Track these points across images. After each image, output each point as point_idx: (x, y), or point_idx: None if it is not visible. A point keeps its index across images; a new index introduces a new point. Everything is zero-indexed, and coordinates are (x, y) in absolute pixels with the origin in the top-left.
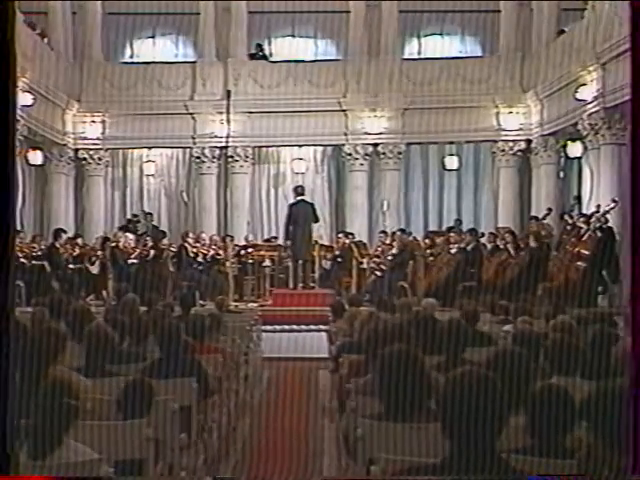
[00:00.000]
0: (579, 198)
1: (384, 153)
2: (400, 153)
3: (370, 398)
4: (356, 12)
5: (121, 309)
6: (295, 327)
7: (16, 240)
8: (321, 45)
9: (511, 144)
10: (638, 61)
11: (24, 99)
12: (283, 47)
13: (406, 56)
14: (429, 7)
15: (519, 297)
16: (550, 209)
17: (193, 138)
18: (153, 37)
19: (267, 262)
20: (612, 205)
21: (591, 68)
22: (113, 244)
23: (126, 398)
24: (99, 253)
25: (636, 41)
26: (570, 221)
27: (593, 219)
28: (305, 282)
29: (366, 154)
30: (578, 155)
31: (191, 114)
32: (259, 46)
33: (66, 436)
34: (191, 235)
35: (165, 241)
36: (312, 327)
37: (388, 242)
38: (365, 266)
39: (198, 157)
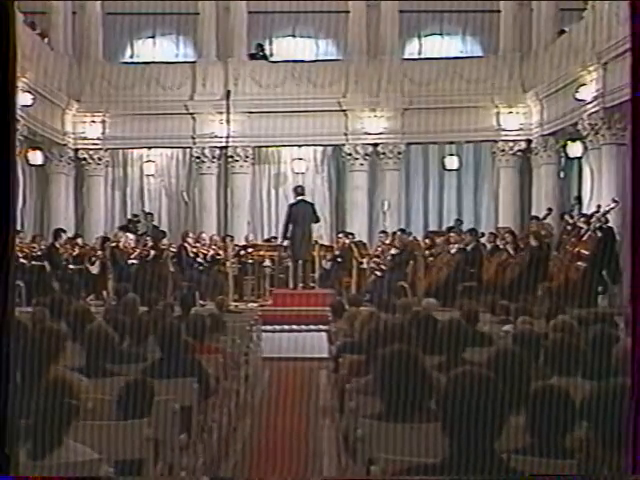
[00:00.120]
0: (579, 198)
1: (384, 153)
2: (400, 153)
3: (370, 398)
4: (356, 12)
5: (122, 309)
6: (295, 327)
7: (16, 240)
8: (321, 45)
9: (511, 144)
10: (638, 61)
11: (24, 99)
12: (283, 47)
13: (406, 56)
14: (429, 7)
15: (520, 297)
16: (550, 209)
17: (193, 138)
18: (153, 37)
19: (267, 262)
20: (612, 205)
21: (591, 68)
22: (113, 244)
23: (127, 398)
24: (99, 253)
25: (636, 41)
26: (570, 221)
27: (593, 219)
28: (305, 282)
29: (366, 154)
30: (578, 155)
31: (191, 114)
32: (259, 46)
33: (66, 436)
34: (191, 235)
35: (165, 241)
36: (312, 327)
37: (388, 242)
38: (365, 266)
39: (198, 157)
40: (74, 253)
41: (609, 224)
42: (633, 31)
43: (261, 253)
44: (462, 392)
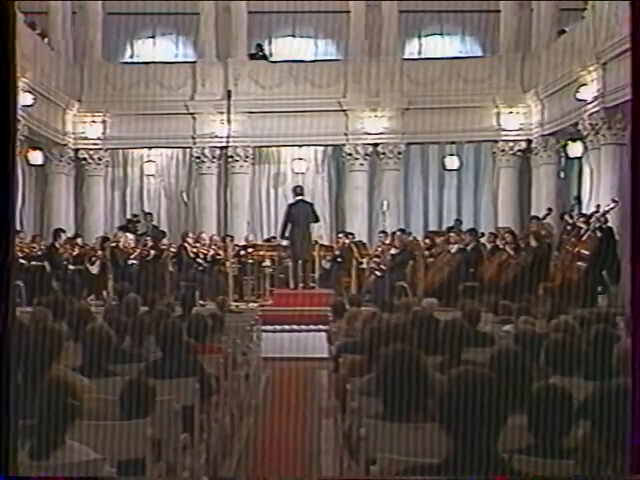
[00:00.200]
0: (579, 198)
1: (384, 153)
2: (400, 153)
3: (370, 398)
4: (356, 12)
5: (124, 309)
6: (295, 327)
7: (16, 240)
8: (321, 45)
9: (511, 144)
10: (638, 61)
11: (24, 99)
12: (283, 47)
13: (406, 56)
14: (429, 7)
15: (521, 297)
16: (550, 209)
17: (193, 138)
18: (153, 37)
19: (267, 262)
20: (612, 205)
21: (591, 68)
22: (113, 244)
23: (129, 398)
24: (99, 253)
25: (636, 41)
26: (570, 221)
27: (593, 219)
28: (305, 282)
29: (366, 154)
30: (578, 155)
31: (191, 114)
32: (259, 46)
33: (67, 436)
34: (191, 235)
35: (165, 241)
36: (312, 327)
37: (388, 242)
38: (365, 266)
39: (198, 157)
40: (74, 253)
41: (609, 224)
42: (633, 31)
43: (261, 253)
44: (463, 392)
